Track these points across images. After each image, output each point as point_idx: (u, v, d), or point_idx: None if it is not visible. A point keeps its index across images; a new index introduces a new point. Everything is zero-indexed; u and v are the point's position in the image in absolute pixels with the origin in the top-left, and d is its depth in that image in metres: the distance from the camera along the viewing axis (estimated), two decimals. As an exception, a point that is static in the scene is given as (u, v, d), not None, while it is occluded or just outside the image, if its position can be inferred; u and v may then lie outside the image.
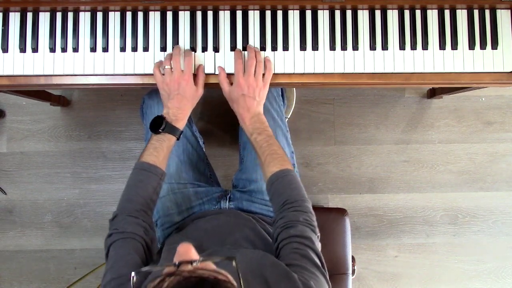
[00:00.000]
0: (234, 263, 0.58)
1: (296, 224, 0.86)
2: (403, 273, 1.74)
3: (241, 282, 0.58)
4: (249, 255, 0.83)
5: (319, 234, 0.88)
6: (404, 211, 1.75)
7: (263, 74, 1.03)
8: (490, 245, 1.75)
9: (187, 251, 0.60)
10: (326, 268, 0.82)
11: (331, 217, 1.27)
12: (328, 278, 0.81)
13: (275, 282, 0.74)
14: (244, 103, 1.01)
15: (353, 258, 1.28)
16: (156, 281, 0.56)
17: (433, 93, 1.72)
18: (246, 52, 1.05)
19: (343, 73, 1.07)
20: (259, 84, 1.02)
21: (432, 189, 1.76)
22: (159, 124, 1.00)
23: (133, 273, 0.60)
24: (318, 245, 0.86)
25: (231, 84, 1.04)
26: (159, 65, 1.03)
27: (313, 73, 1.07)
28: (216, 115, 1.75)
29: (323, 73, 1.07)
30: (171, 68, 1.02)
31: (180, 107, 1.01)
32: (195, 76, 1.04)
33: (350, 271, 1.26)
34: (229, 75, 1.05)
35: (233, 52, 1.06)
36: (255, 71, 1.02)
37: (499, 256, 1.75)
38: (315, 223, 0.89)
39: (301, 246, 0.83)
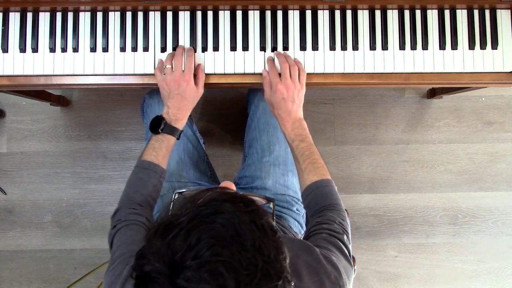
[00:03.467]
0: (271, 205, 0.60)
1: (331, 223, 0.88)
2: (403, 273, 1.74)
3: (275, 223, 0.60)
4: None
5: (351, 242, 0.89)
6: (404, 211, 1.75)
7: (298, 76, 1.04)
8: (490, 245, 1.75)
9: (229, 186, 0.66)
10: (352, 262, 0.83)
11: (331, 217, 1.27)
12: (353, 268, 0.82)
13: (294, 255, 0.74)
14: (285, 107, 1.02)
15: (353, 258, 1.28)
16: (194, 192, 0.57)
17: (433, 93, 1.72)
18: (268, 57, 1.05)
19: (343, 73, 1.07)
20: (297, 86, 1.03)
21: (432, 189, 1.75)
22: (158, 125, 1.00)
23: (176, 191, 0.64)
24: (349, 245, 0.86)
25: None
26: (160, 65, 1.04)
27: (313, 73, 1.07)
28: (217, 115, 1.74)
29: (323, 73, 1.07)
30: (172, 67, 1.02)
31: (179, 107, 1.02)
32: (195, 76, 1.04)
33: (350, 271, 1.26)
34: (223, 74, 1.05)
35: (233, 52, 1.06)
36: (290, 74, 1.03)
37: (499, 256, 1.75)
38: (349, 231, 0.90)
39: (331, 237, 0.84)
